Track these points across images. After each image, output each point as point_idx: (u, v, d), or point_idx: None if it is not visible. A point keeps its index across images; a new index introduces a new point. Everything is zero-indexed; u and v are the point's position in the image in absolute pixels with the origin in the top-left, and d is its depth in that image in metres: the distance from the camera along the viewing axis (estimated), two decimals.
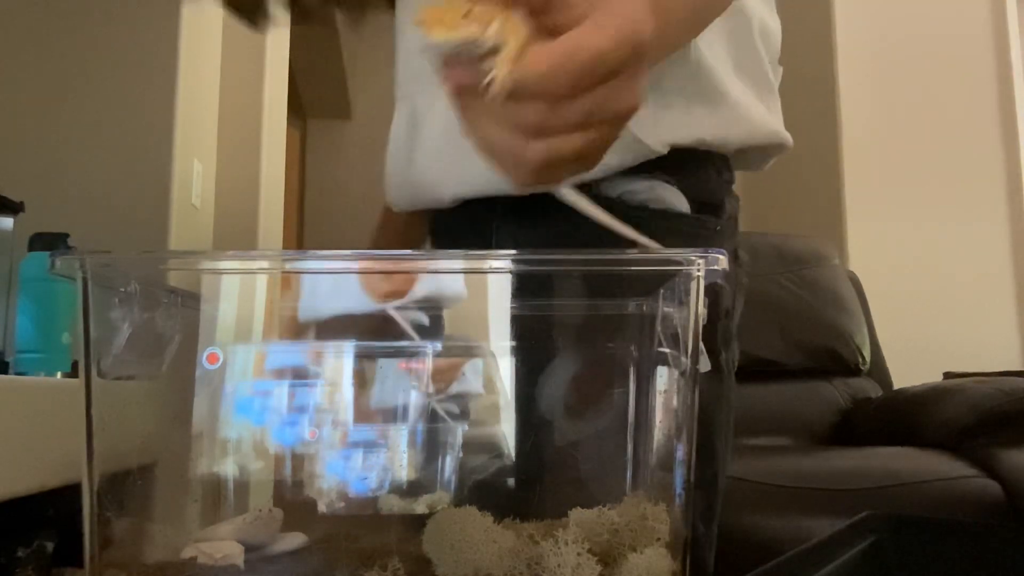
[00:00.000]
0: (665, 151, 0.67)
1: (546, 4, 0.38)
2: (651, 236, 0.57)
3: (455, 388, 0.61)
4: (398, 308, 0.60)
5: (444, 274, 0.60)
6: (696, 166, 0.72)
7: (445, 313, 0.62)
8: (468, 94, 0.40)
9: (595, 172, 0.61)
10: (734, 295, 0.77)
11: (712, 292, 0.59)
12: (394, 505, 0.58)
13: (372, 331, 0.61)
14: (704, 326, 0.48)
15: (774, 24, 0.78)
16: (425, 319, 0.60)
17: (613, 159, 0.63)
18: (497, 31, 0.37)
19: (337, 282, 0.59)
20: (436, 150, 0.73)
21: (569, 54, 0.37)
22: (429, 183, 0.74)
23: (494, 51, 0.37)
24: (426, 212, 0.82)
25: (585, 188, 0.64)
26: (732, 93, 0.71)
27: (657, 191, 0.69)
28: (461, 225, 0.76)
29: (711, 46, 0.70)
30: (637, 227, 0.54)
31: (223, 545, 0.51)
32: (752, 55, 0.75)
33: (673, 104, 0.68)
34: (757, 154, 0.78)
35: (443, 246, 0.81)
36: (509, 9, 0.38)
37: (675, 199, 0.70)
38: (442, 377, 0.61)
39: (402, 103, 0.79)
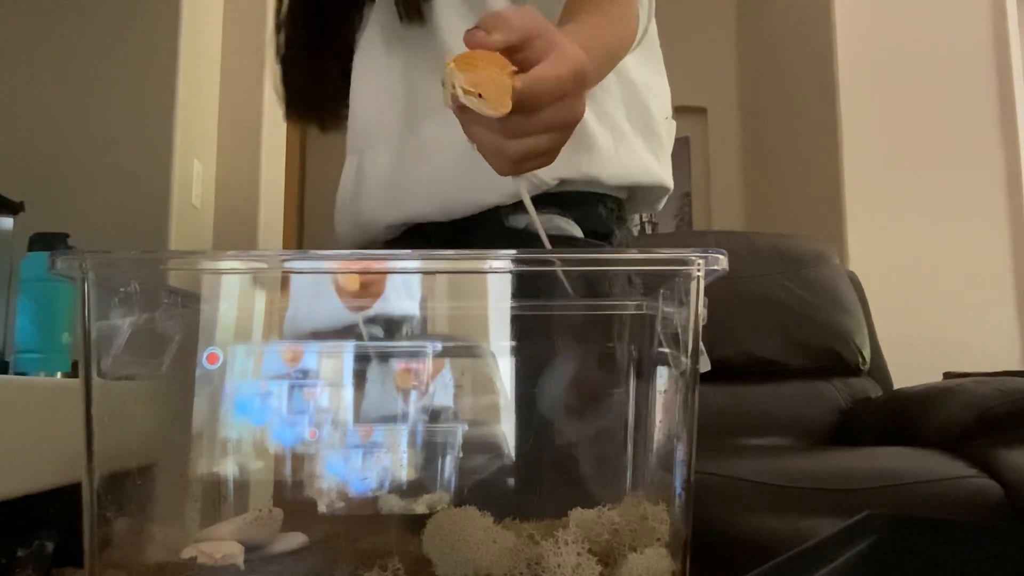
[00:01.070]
0: (554, 183, 0.83)
1: (522, 45, 0.55)
2: None
3: (379, 309, 0.61)
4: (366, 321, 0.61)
5: (393, 292, 0.61)
6: (587, 204, 0.87)
7: (445, 314, 0.62)
8: (468, 114, 0.55)
9: (499, 199, 0.83)
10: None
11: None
12: (394, 505, 0.58)
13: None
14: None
15: (662, 88, 0.96)
16: (381, 332, 0.61)
17: (506, 188, 0.79)
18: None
19: (316, 295, 0.59)
20: (377, 191, 0.92)
21: (540, 80, 0.54)
22: (369, 216, 0.92)
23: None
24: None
25: (496, 217, 0.83)
26: (608, 141, 0.87)
27: (555, 221, 0.84)
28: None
29: (604, 103, 0.88)
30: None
31: (223, 545, 0.51)
32: (643, 113, 0.91)
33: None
34: (643, 193, 0.93)
35: None
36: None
37: (570, 228, 0.85)
38: (367, 292, 0.62)
39: (352, 155, 0.97)
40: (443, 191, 0.85)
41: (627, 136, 0.89)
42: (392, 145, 0.91)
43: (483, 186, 0.82)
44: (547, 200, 0.83)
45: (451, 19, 0.86)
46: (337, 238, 1.00)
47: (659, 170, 0.91)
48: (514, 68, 0.54)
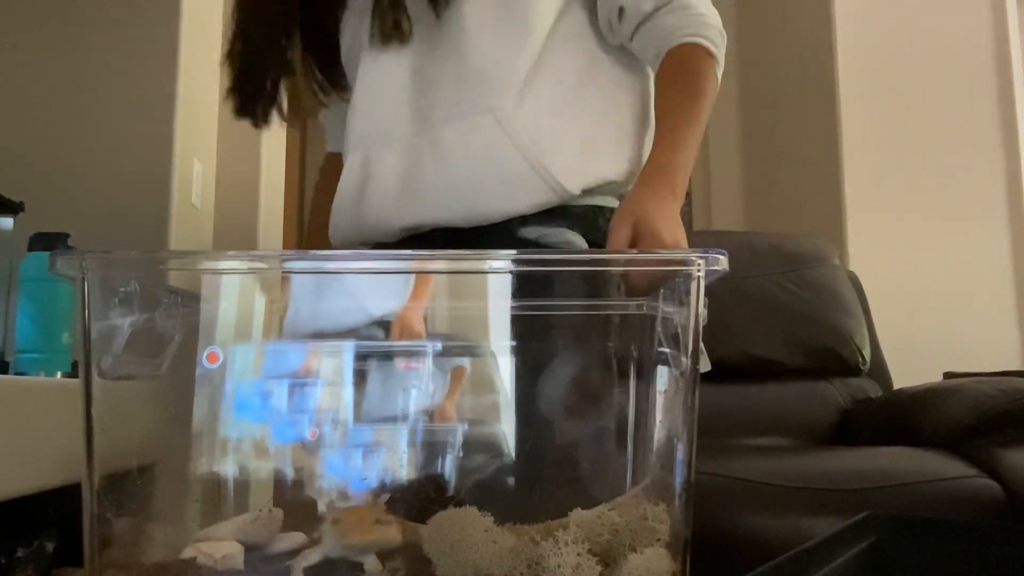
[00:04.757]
0: (578, 192, 0.86)
1: None
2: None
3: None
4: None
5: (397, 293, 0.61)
6: (591, 217, 0.88)
7: (445, 314, 0.62)
8: None
9: (525, 208, 0.85)
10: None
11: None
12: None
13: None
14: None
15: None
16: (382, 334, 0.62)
17: (533, 199, 0.85)
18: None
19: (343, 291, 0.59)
20: (389, 192, 0.89)
21: None
22: (379, 217, 0.89)
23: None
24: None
25: (506, 229, 0.84)
26: (614, 145, 0.91)
27: (567, 235, 0.86)
28: None
29: (616, 102, 0.92)
30: None
31: (223, 545, 0.51)
32: (645, 108, 0.94)
33: (601, 152, 0.90)
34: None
35: None
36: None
37: (579, 242, 0.87)
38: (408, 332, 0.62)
39: (354, 152, 0.94)
40: (466, 196, 0.86)
41: (630, 135, 0.92)
42: (402, 145, 0.90)
43: (510, 194, 0.85)
44: (556, 214, 0.86)
45: (480, 18, 0.87)
46: (333, 239, 0.99)
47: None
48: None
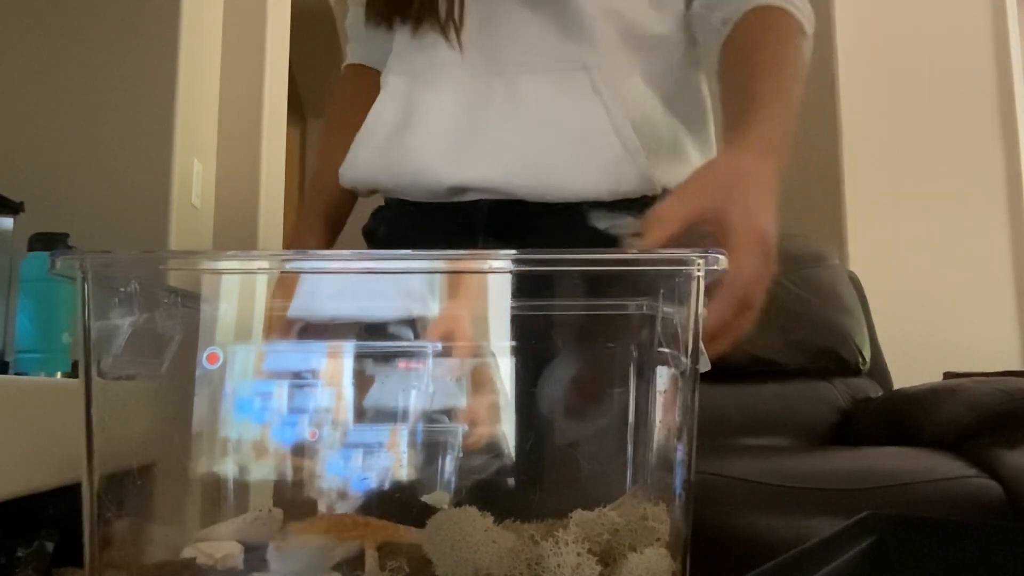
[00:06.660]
0: (660, 190, 0.75)
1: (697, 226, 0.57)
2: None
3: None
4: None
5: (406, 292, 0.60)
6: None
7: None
8: None
9: (606, 194, 0.74)
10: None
11: None
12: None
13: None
14: None
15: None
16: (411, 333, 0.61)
17: (619, 186, 0.74)
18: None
19: (337, 284, 0.59)
20: (436, 135, 0.73)
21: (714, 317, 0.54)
22: (421, 167, 0.74)
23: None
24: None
25: (577, 212, 0.74)
26: (698, 156, 0.82)
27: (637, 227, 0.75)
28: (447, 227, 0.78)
29: (693, 118, 0.82)
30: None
31: (223, 545, 0.51)
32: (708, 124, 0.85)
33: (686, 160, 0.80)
34: None
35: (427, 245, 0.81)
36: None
37: None
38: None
39: (399, 76, 0.78)
40: (541, 166, 0.72)
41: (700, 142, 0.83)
42: (462, 82, 0.74)
43: (594, 175, 0.72)
44: (624, 207, 0.75)
45: None
46: (347, 174, 0.80)
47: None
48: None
